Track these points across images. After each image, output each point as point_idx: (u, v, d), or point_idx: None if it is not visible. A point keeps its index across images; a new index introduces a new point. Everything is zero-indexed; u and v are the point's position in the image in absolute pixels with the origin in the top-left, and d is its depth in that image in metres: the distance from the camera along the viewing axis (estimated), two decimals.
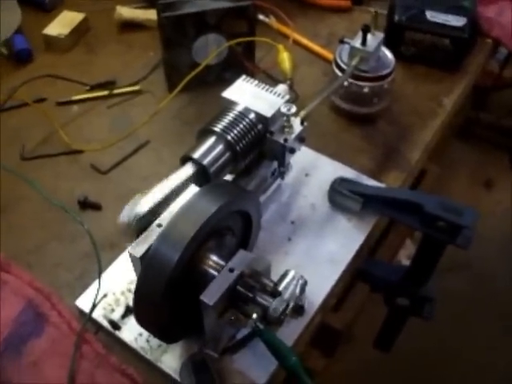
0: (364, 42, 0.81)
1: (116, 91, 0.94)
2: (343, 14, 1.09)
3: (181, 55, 0.88)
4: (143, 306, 0.54)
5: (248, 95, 0.71)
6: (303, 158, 0.81)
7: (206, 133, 0.68)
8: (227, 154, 0.67)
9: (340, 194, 0.75)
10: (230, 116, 0.68)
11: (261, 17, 1.06)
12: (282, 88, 0.76)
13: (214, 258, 0.57)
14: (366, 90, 0.85)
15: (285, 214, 0.75)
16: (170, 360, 0.62)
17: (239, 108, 0.69)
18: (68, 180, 0.82)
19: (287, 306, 0.55)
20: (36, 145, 0.86)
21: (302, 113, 0.73)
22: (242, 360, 0.61)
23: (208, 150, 0.66)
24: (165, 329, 0.56)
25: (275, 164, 0.73)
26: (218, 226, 0.58)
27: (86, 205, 0.78)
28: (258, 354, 0.61)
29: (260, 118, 0.69)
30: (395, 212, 0.72)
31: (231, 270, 0.55)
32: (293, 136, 0.70)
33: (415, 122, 0.89)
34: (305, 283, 0.65)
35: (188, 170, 0.65)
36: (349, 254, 0.71)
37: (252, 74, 0.94)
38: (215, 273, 0.56)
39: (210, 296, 0.53)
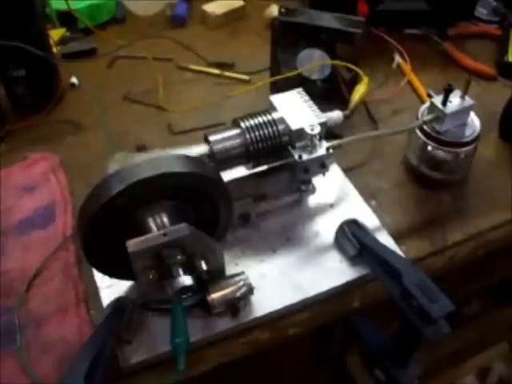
0: (445, 102, 0.77)
1: (226, 74, 1.03)
2: (482, 80, 1.03)
3: (285, 59, 0.93)
4: (79, 219, 0.60)
5: (291, 107, 0.74)
6: (341, 191, 0.81)
7: (235, 123, 0.73)
8: (239, 150, 0.71)
9: (343, 234, 0.73)
10: (262, 119, 0.72)
11: (396, 56, 1.06)
12: (335, 114, 0.77)
13: (165, 218, 0.62)
14: (434, 151, 0.80)
15: (286, 228, 0.76)
16: (110, 294, 0.68)
17: (274, 115, 0.72)
18: (142, 127, 0.93)
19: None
20: (139, 91, 0.99)
21: (335, 142, 0.73)
22: (161, 325, 0.65)
23: (225, 138, 0.71)
24: (92, 250, 0.62)
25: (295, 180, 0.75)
26: (179, 193, 0.62)
27: (141, 151, 0.88)
28: None
29: (287, 130, 0.71)
30: (382, 273, 0.68)
31: (165, 234, 0.59)
32: (310, 156, 0.70)
33: (480, 207, 0.81)
34: (249, 291, 0.67)
35: (203, 148, 0.71)
36: (314, 290, 0.70)
37: (347, 102, 0.95)
38: (155, 230, 0.61)
39: (134, 245, 0.58)
